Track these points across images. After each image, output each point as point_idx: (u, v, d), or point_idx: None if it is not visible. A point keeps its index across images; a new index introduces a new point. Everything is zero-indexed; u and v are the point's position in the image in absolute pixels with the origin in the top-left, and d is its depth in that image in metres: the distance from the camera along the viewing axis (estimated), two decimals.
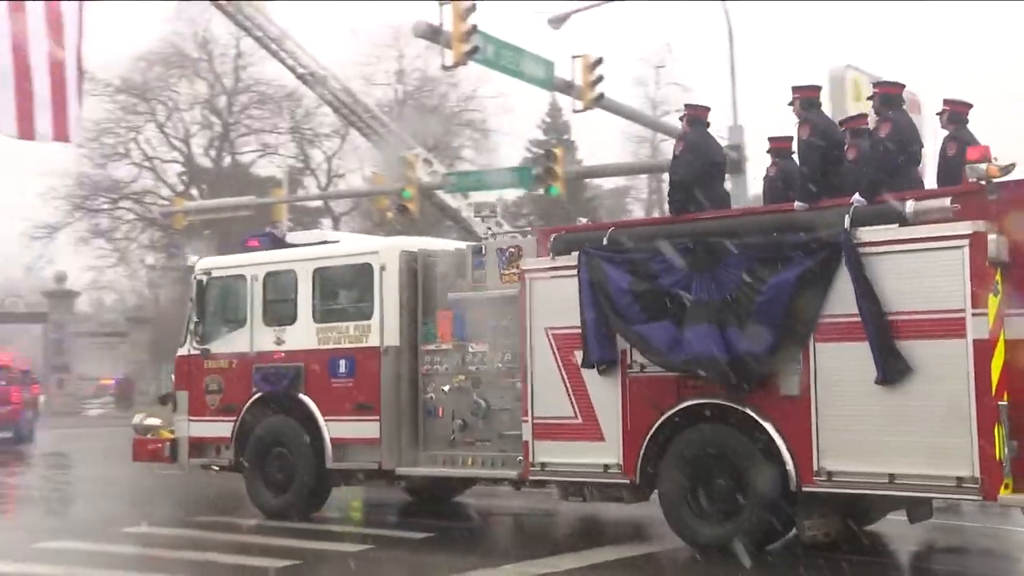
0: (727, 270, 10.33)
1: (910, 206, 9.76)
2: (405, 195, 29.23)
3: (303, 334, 13.26)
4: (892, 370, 9.51)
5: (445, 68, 20.08)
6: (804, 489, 9.94)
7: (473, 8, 18.08)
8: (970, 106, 11.25)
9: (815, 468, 9.88)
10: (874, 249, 9.74)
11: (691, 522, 10.60)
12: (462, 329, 12.37)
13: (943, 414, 9.34)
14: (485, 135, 57.22)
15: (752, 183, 24.03)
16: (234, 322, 13.92)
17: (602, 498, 11.34)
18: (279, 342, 13.43)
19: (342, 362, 12.91)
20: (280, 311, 13.55)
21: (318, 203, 51.90)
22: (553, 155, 26.42)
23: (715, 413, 10.50)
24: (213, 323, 14.06)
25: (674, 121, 47.57)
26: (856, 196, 10.20)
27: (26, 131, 15.46)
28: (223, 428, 13.72)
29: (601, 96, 22.13)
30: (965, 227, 9.41)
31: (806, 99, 10.96)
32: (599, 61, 21.76)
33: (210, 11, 46.30)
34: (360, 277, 12.97)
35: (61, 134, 15.86)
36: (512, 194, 54.13)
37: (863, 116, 11.39)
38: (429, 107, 56.61)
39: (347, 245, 13.69)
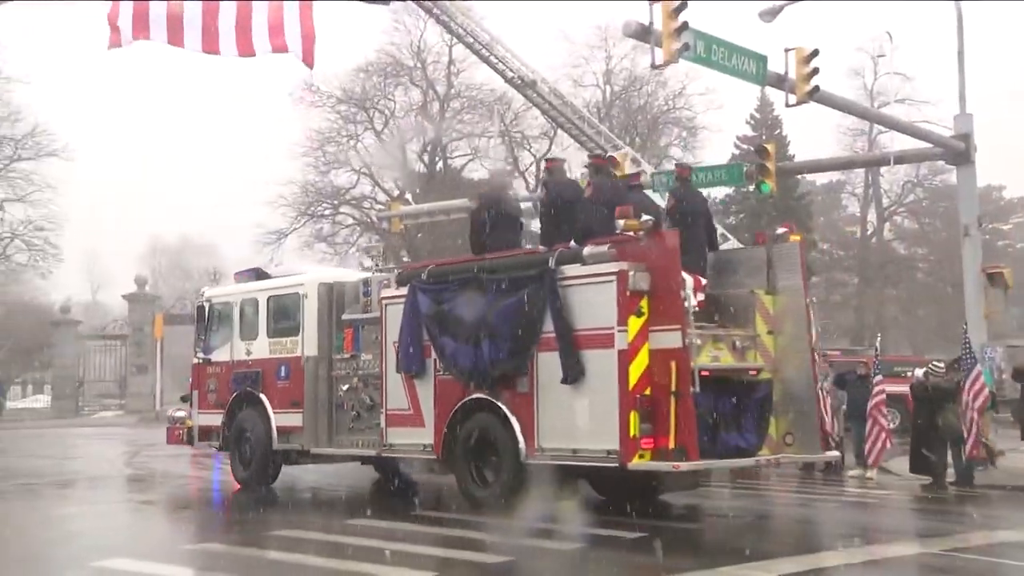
0: (484, 298, 14.68)
1: (587, 250, 13.86)
2: None
3: (262, 347, 18.33)
4: (571, 373, 13.63)
5: (654, 67, 21.04)
6: (529, 461, 14.13)
7: (683, 5, 18.66)
8: (691, 168, 15.17)
9: (536, 446, 14.06)
10: (567, 282, 13.83)
11: (471, 487, 14.86)
12: (357, 342, 17.20)
13: (601, 404, 13.35)
14: (693, 133, 60.28)
15: (981, 174, 25.09)
16: (224, 338, 19.17)
17: (424, 471, 15.97)
18: (248, 353, 18.58)
19: (283, 368, 17.86)
20: (250, 329, 18.68)
21: (527, 204, 57.28)
22: (765, 151, 26.78)
23: (484, 406, 14.77)
24: (212, 338, 19.44)
25: (894, 111, 49.26)
26: (572, 242, 14.38)
27: (245, 48, 18.42)
28: (218, 419, 18.95)
29: (816, 89, 22.02)
30: (613, 266, 13.40)
31: (548, 169, 15.27)
32: (815, 53, 21.73)
33: (424, 20, 52.62)
34: (292, 303, 17.92)
35: (280, 46, 18.57)
36: (720, 192, 56.55)
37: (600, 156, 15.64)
38: (636, 106, 60.43)
39: (288, 278, 18.58)
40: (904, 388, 23.67)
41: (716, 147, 62.00)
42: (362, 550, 12.04)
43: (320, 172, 57.72)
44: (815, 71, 21.79)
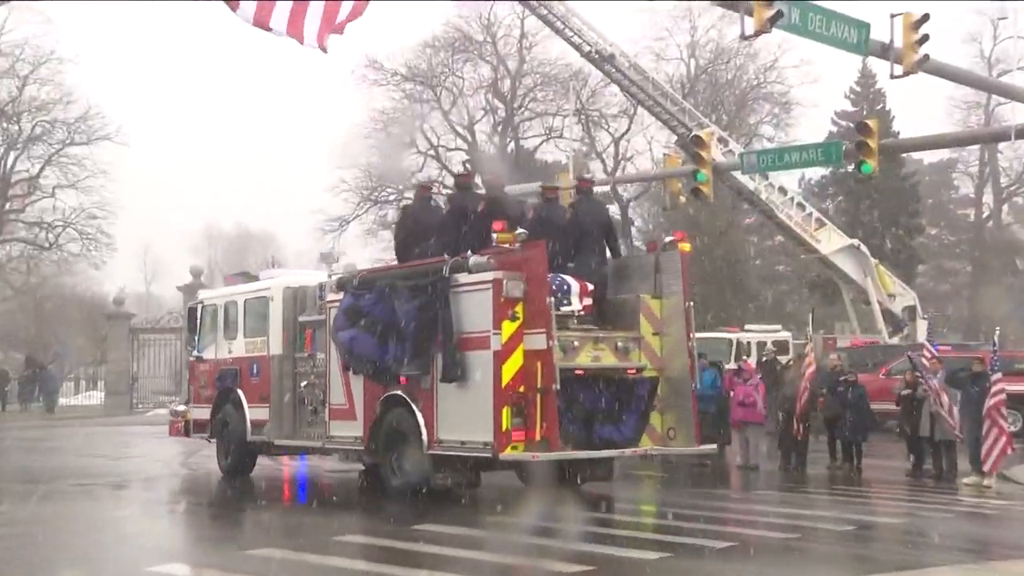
0: (394, 301, 16.72)
1: (471, 260, 15.81)
2: (699, 177, 28.66)
3: (240, 346, 20.63)
4: (449, 372, 15.68)
5: (744, 38, 20.44)
6: (430, 452, 16.12)
7: None
8: (592, 182, 17.42)
9: (435, 438, 16.05)
10: (458, 289, 15.79)
11: (388, 475, 16.93)
12: (315, 342, 19.56)
13: (480, 400, 15.32)
14: (786, 109, 58.24)
15: None
16: (213, 337, 21.69)
17: (357, 460, 18.51)
18: (230, 351, 20.95)
19: (255, 366, 20.14)
20: (232, 329, 21.00)
21: (605, 188, 52.74)
22: (866, 127, 25.49)
23: (399, 401, 16.75)
24: (203, 338, 22.07)
25: (1016, 80, 48.65)
26: (469, 252, 16.80)
27: (296, 32, 18.43)
28: (208, 412, 21.49)
29: (926, 58, 20.98)
30: (491, 275, 15.30)
31: (458, 183, 17.71)
32: (924, 18, 20.70)
33: None
34: (263, 305, 20.19)
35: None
36: (816, 173, 56.41)
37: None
38: (724, 81, 58.76)
39: (262, 283, 20.91)
40: None
41: (811, 124, 60.07)
42: (430, 557, 12.21)
43: (384, 154, 56.25)
44: (925, 38, 20.91)
